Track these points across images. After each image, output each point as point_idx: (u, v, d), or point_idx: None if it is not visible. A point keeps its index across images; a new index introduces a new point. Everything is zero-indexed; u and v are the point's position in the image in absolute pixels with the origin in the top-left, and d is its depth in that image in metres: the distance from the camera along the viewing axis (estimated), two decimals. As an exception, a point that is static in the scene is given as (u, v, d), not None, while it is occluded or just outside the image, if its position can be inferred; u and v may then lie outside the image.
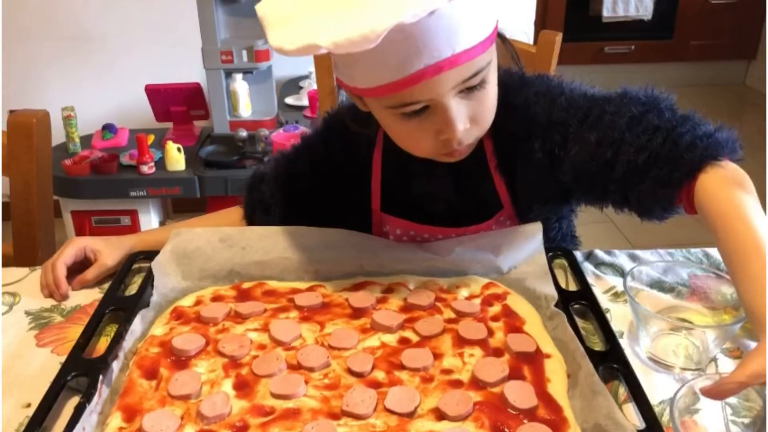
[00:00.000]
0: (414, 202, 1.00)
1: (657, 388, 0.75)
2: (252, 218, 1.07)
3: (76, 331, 0.84)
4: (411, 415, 0.70)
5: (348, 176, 1.02)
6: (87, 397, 0.70)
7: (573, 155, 0.86)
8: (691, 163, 0.76)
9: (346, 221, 1.02)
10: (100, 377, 0.73)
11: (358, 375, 0.76)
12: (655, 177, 0.79)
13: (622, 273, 0.97)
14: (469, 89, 0.80)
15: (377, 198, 1.01)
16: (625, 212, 0.86)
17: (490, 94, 0.83)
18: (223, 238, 0.95)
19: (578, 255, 1.00)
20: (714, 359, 0.80)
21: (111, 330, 0.85)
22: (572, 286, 0.92)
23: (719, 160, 0.77)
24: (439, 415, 0.69)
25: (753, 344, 0.81)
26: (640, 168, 0.80)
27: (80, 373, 0.75)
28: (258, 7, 0.80)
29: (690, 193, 0.77)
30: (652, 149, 0.79)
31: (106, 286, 0.95)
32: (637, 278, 0.85)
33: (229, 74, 2.35)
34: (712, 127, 0.79)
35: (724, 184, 0.75)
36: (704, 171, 0.76)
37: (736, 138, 0.79)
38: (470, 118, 0.82)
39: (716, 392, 0.63)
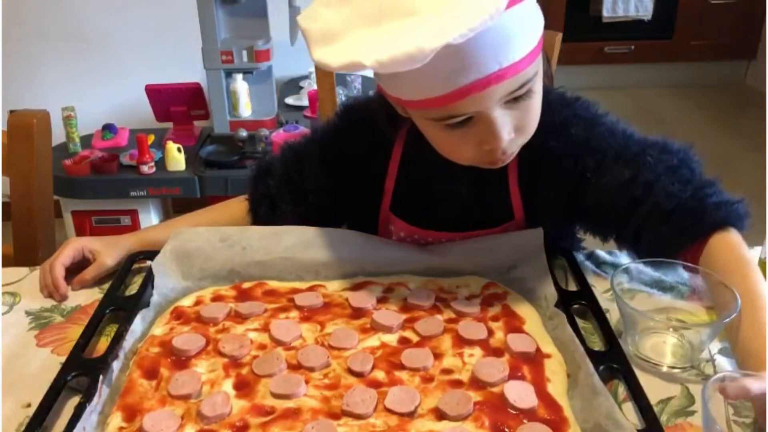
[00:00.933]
0: (425, 204, 0.99)
1: (647, 387, 0.75)
2: (257, 212, 1.04)
3: (76, 331, 0.84)
4: (411, 414, 0.70)
5: (360, 173, 1.00)
6: (87, 397, 0.70)
7: (603, 183, 0.89)
8: (713, 222, 0.84)
9: (352, 219, 1.01)
10: (100, 377, 0.73)
11: (358, 375, 0.76)
12: (676, 224, 0.84)
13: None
14: (515, 99, 0.79)
15: (388, 197, 1.00)
16: (624, 250, 0.94)
17: (536, 103, 0.83)
18: (223, 237, 0.95)
19: (579, 255, 1.00)
20: (712, 360, 0.80)
21: (111, 330, 0.85)
22: (572, 286, 0.92)
23: (734, 227, 0.85)
24: (439, 414, 0.69)
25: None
26: (665, 213, 0.85)
27: (80, 373, 0.75)
28: (300, 20, 0.79)
29: (699, 250, 0.85)
30: (681, 199, 0.85)
31: (106, 286, 0.95)
32: (636, 278, 0.85)
33: (229, 74, 2.36)
34: (735, 198, 0.87)
35: (736, 246, 0.84)
36: (723, 230, 0.84)
37: (750, 215, 0.87)
38: (515, 128, 0.81)
39: (734, 392, 0.65)
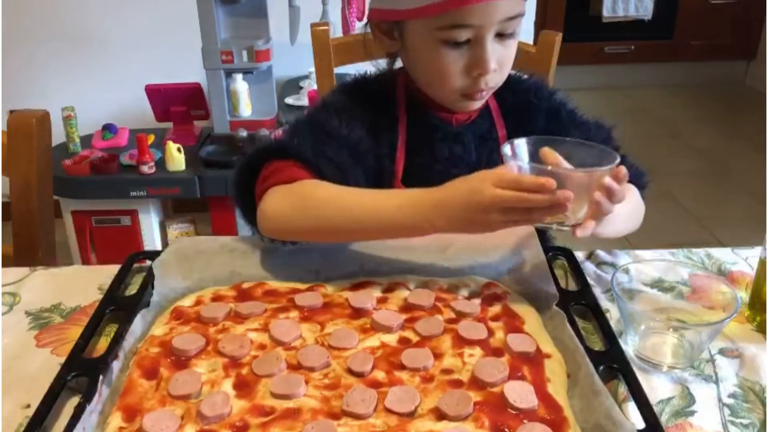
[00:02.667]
0: (435, 171, 1.03)
1: (647, 387, 0.75)
2: (323, 171, 0.93)
3: (76, 332, 0.84)
4: (411, 415, 0.70)
5: (371, 142, 1.01)
6: (87, 397, 0.70)
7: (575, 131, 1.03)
8: (646, 179, 1.05)
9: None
10: (100, 377, 0.73)
11: (358, 375, 0.76)
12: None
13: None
14: (503, 35, 0.92)
15: (399, 169, 1.04)
16: None
17: (515, 46, 0.96)
18: (224, 245, 0.96)
19: (579, 255, 1.00)
20: (712, 360, 0.80)
21: (111, 330, 0.85)
22: (572, 286, 0.92)
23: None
24: (439, 415, 0.69)
25: (751, 345, 0.82)
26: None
27: (80, 373, 0.75)
28: None
29: None
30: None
31: (106, 286, 0.95)
32: (636, 278, 0.85)
33: (229, 74, 2.35)
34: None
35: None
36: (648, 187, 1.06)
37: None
38: (498, 62, 0.94)
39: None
